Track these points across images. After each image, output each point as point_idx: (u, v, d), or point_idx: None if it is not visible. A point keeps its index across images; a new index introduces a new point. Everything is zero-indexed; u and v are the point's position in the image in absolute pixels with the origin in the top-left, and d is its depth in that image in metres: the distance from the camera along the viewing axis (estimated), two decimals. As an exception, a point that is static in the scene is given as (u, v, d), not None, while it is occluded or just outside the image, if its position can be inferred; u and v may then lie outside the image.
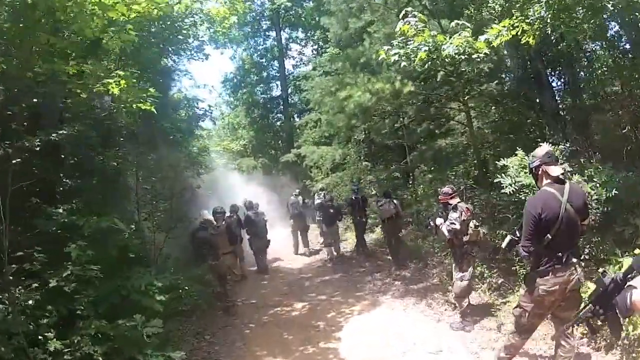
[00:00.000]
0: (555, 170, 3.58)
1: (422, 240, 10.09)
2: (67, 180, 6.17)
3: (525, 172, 5.51)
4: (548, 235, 3.49)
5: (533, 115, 9.25)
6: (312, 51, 23.67)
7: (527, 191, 5.50)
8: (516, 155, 6.00)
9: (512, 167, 5.91)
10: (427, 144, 11.80)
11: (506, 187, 5.79)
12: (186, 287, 7.76)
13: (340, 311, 7.40)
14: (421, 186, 12.32)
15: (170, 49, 10.18)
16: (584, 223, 3.72)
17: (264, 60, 24.56)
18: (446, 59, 6.78)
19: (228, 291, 8.03)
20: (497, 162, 6.51)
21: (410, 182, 13.11)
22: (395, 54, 6.65)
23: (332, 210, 11.35)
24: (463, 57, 6.71)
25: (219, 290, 7.89)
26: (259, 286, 9.83)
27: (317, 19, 20.29)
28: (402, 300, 7.58)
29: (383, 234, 10.62)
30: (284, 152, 20.81)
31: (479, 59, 6.71)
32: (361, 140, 15.06)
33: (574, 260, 3.56)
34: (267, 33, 24.33)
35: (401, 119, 11.94)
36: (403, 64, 6.70)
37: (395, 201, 9.71)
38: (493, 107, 9.88)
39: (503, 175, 5.89)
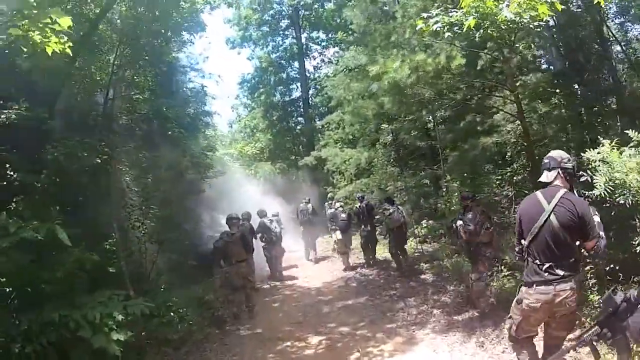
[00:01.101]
0: (542, 177, 3.51)
1: (459, 256, 8.62)
2: (12, 173, 4.74)
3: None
4: (523, 240, 3.42)
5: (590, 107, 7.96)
6: (334, 54, 22.32)
7: (626, 192, 3.90)
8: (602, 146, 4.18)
9: (607, 161, 4.12)
10: (469, 142, 10.09)
11: (600, 187, 4.02)
12: (180, 310, 6.39)
13: (367, 351, 5.80)
14: (456, 194, 10.66)
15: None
16: (586, 242, 3.25)
17: (283, 61, 23.27)
18: (502, 25, 5.24)
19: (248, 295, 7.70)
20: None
21: (444, 190, 11.46)
22: (436, 22, 5.26)
23: (344, 217, 10.93)
24: (521, 24, 5.21)
25: (230, 299, 7.55)
26: (269, 309, 8.34)
27: (338, 20, 19.64)
28: (445, 337, 5.96)
29: (389, 244, 9.76)
30: (303, 156, 19.39)
31: (539, 28, 5.87)
32: (388, 142, 13.48)
33: (560, 275, 3.20)
34: (285, 32, 23.11)
35: (431, 117, 10.92)
36: (447, 34, 5.36)
37: (400, 208, 9.42)
38: (543, 98, 8.34)
39: (595, 171, 4.09)
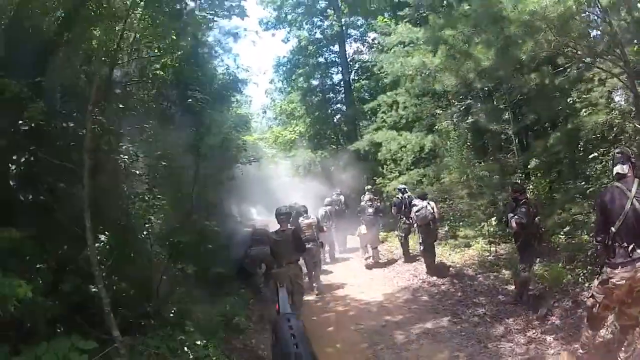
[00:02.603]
0: (615, 169, 3.95)
1: (560, 264, 6.77)
2: None
3: None
4: (612, 228, 3.73)
5: None
6: (373, 40, 19.81)
7: None
8: None
9: None
10: (572, 122, 7.78)
11: None
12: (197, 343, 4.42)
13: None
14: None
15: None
16: None
17: (321, 43, 21.19)
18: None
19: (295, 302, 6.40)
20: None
21: (531, 183, 9.27)
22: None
23: (371, 212, 10.42)
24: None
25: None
26: (320, 336, 6.12)
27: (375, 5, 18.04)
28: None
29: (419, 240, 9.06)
30: (346, 144, 17.91)
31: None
32: (460, 124, 11.15)
33: None
34: (323, 14, 20.85)
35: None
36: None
37: (431, 204, 8.88)
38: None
39: None
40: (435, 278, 8.43)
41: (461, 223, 10.78)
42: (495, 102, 10.27)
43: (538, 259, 7.00)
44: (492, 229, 9.36)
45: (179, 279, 5.60)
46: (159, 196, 5.20)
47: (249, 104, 8.88)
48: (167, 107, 7.33)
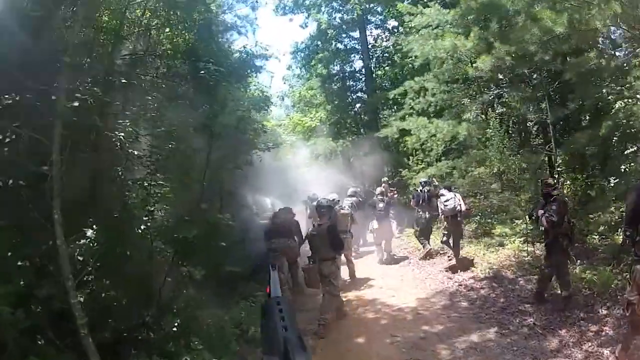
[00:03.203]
0: None
1: (609, 267, 6.25)
2: None
3: None
4: None
5: None
6: (394, 28, 18.98)
7: None
8: None
9: None
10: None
11: None
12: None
13: None
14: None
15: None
16: None
17: (341, 29, 20.12)
18: None
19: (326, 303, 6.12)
20: None
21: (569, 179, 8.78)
22: None
23: (381, 207, 9.96)
24: None
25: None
26: (351, 349, 5.22)
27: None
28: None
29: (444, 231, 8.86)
30: (367, 133, 17.04)
31: None
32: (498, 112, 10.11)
33: None
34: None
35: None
36: None
37: (458, 196, 8.61)
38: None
39: None
40: (472, 281, 7.61)
41: (494, 219, 9.83)
42: (532, 89, 9.30)
43: (578, 260, 6.63)
44: (529, 227, 8.41)
45: (185, 281, 4.69)
46: (161, 182, 4.29)
47: (270, 83, 7.81)
48: (178, 83, 6.43)
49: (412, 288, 7.86)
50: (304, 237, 7.01)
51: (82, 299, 3.07)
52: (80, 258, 3.30)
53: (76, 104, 3.61)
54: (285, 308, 1.12)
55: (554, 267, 5.98)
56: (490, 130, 9.59)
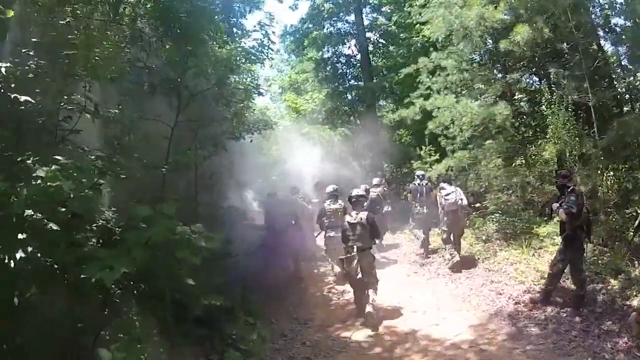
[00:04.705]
0: None
1: None
2: None
3: None
4: None
5: None
6: (388, 9, 17.85)
7: None
8: None
9: None
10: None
11: None
12: None
13: None
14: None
15: None
16: None
17: (332, 12, 18.50)
18: None
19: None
20: None
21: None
22: None
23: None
24: None
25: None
26: None
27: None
28: None
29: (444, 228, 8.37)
30: (362, 123, 16.00)
31: None
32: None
33: None
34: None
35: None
36: None
37: (458, 189, 8.30)
38: None
39: None
40: (529, 296, 6.06)
41: (523, 217, 8.44)
42: (571, 68, 8.11)
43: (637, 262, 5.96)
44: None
45: (134, 332, 2.72)
46: (76, 163, 2.33)
47: (265, 31, 5.63)
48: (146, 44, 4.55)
49: (455, 310, 6.12)
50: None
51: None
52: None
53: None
54: None
55: (567, 262, 5.61)
56: (547, 111, 7.90)
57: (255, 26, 5.50)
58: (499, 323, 5.50)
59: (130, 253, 2.31)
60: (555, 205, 5.75)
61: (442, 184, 8.46)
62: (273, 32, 5.54)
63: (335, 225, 7.59)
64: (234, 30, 6.26)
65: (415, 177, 9.78)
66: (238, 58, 5.03)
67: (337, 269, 7.76)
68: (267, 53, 5.60)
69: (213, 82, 4.64)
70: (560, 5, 7.42)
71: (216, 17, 5.22)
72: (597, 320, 5.10)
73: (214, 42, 5.26)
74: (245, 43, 5.42)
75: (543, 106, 8.15)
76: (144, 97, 4.82)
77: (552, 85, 8.76)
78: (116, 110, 3.98)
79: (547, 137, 7.89)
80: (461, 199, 8.07)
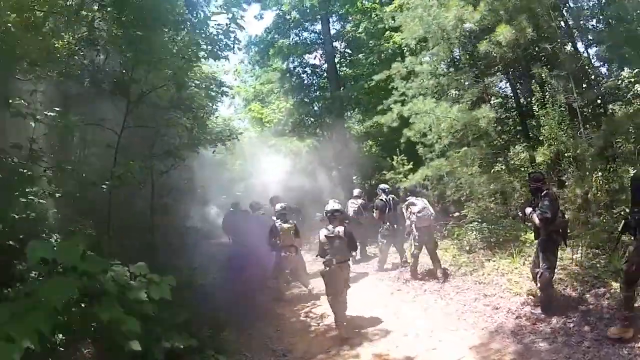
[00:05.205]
0: None
1: None
2: None
3: None
4: None
5: None
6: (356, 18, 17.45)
7: None
8: None
9: None
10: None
11: None
12: None
13: None
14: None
15: None
16: None
17: (298, 22, 18.32)
18: None
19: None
20: None
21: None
22: None
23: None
24: None
25: None
26: None
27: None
28: None
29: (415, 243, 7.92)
30: (329, 135, 15.81)
31: None
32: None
33: None
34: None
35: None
36: None
37: (426, 201, 8.02)
38: None
39: None
40: (529, 309, 5.68)
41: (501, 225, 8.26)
42: (555, 69, 8.17)
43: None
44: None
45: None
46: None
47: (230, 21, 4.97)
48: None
49: (451, 330, 5.53)
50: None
51: None
52: None
53: None
54: None
55: (554, 268, 5.53)
56: (539, 112, 7.77)
57: (218, 8, 4.86)
58: (503, 341, 5.00)
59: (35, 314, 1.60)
60: (528, 210, 5.62)
61: (410, 199, 8.18)
62: (242, 17, 4.85)
63: (288, 245, 7.45)
64: (194, 13, 5.52)
65: (380, 191, 9.47)
66: (199, 46, 4.35)
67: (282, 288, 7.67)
68: (233, 42, 4.90)
69: (168, 77, 3.96)
70: (544, 5, 7.47)
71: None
72: (606, 327, 4.77)
73: (171, 29, 4.59)
74: (207, 28, 4.76)
75: (535, 106, 8.10)
76: (90, 99, 4.10)
77: (538, 86, 8.68)
78: (53, 114, 3.25)
79: (540, 138, 7.64)
80: (432, 213, 7.88)
